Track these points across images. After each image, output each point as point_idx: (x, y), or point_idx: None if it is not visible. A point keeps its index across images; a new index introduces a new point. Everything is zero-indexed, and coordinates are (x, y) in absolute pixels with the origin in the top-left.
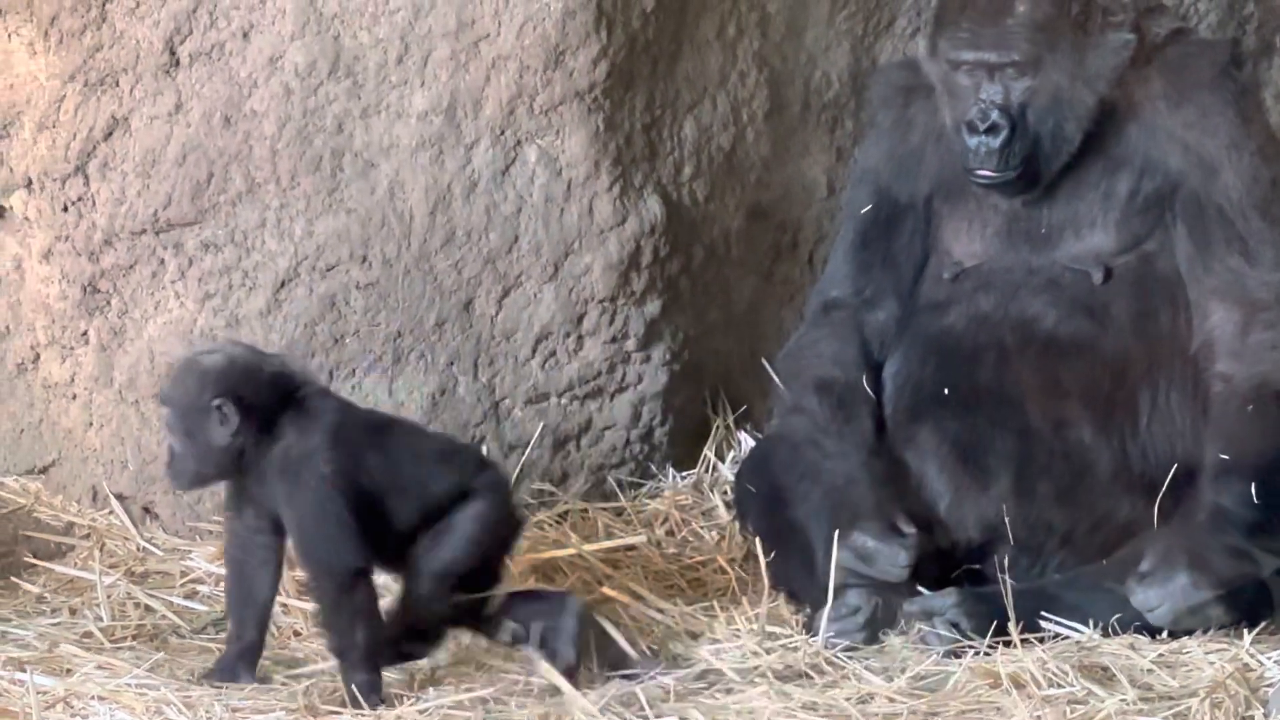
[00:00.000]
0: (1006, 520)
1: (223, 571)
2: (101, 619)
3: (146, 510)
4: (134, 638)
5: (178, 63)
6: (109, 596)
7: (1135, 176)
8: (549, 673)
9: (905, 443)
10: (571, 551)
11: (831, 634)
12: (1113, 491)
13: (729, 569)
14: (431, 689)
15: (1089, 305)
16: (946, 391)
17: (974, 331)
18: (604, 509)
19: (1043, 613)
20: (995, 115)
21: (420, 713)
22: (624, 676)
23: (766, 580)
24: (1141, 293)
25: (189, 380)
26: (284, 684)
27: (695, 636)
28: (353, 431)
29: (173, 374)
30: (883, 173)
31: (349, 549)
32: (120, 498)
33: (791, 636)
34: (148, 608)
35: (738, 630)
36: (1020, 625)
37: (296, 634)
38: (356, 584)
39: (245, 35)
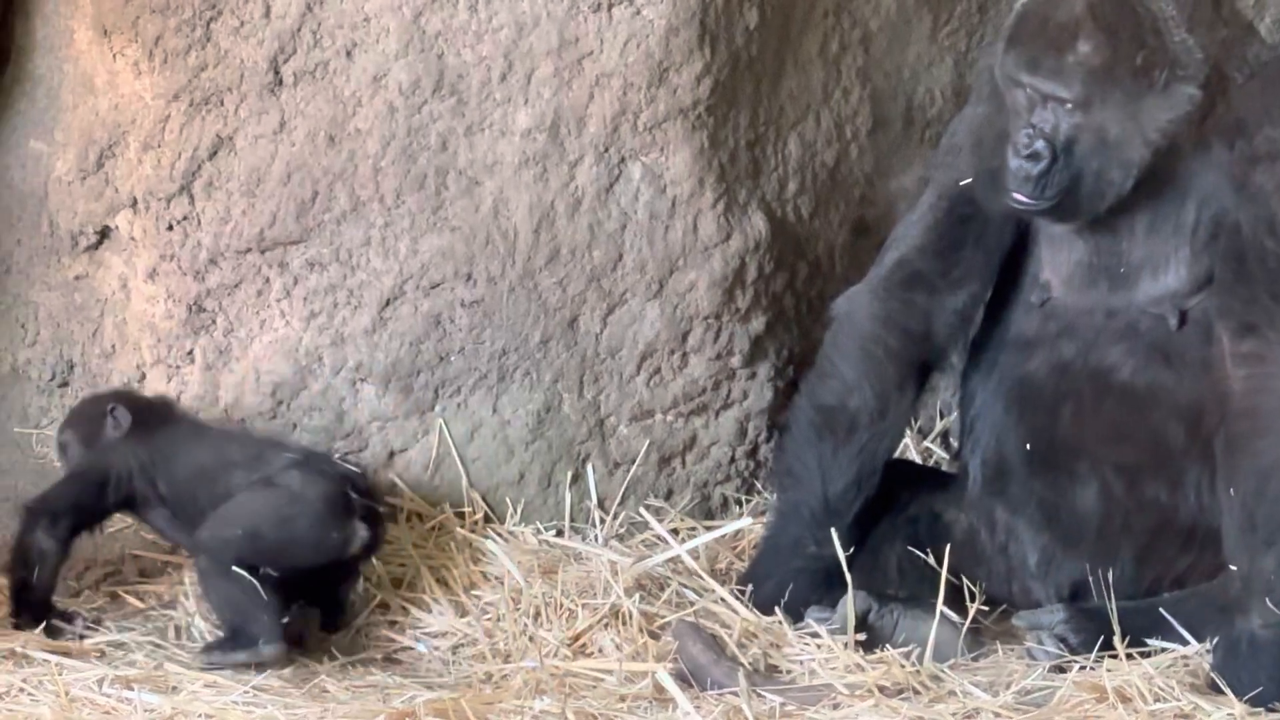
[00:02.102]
0: (1090, 580)
1: None
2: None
3: None
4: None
5: (281, 82)
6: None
7: (1197, 213)
8: (664, 679)
9: (995, 496)
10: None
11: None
12: (1190, 548)
13: None
14: (537, 700)
15: (1165, 352)
16: (1029, 447)
17: (1055, 381)
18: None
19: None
20: (1039, 144)
21: None
22: (718, 686)
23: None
24: (1210, 338)
25: (86, 398)
26: (369, 690)
27: (778, 647)
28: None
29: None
30: (985, 143)
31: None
32: None
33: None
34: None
35: (820, 642)
36: (1126, 640)
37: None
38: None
39: (349, 54)
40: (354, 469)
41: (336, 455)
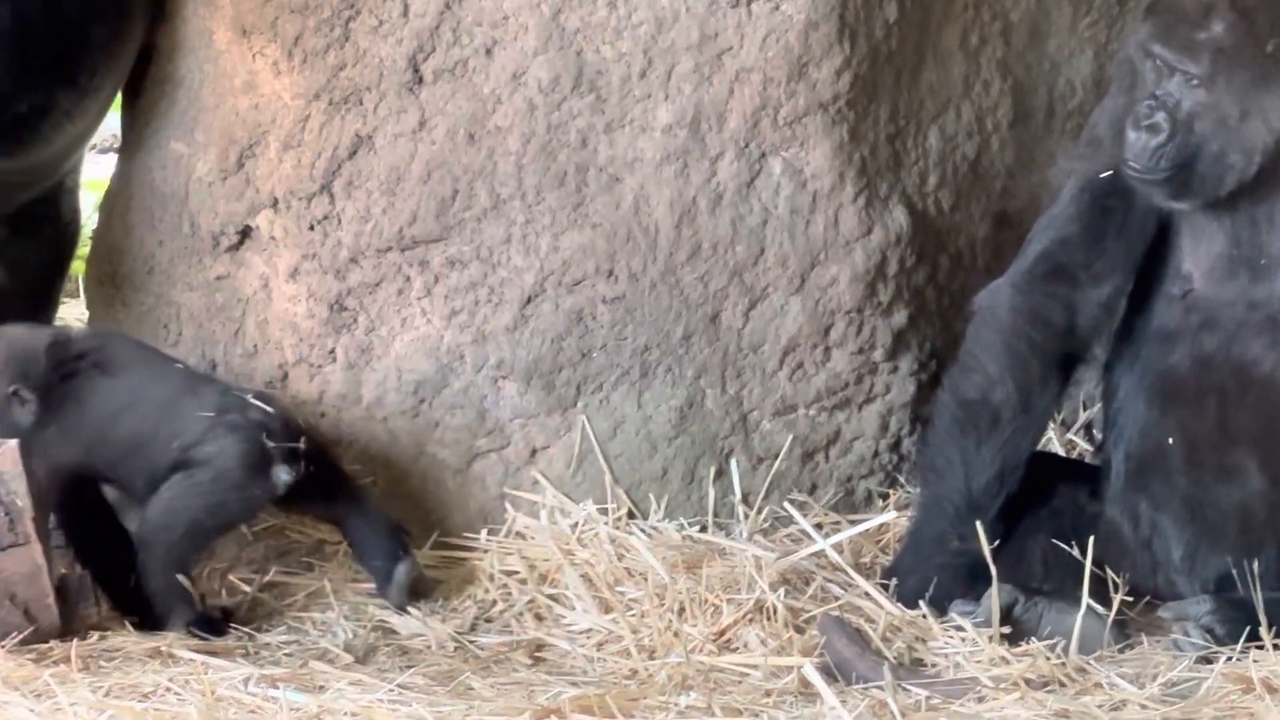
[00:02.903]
0: (1235, 573)
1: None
2: (352, 635)
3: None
4: (382, 654)
5: (421, 80)
6: (356, 614)
7: None
8: (809, 673)
9: (1139, 490)
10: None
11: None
12: None
13: None
14: (683, 696)
15: None
16: (1172, 441)
17: (1197, 374)
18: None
19: None
20: (1160, 116)
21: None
22: (863, 680)
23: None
24: None
25: None
26: (515, 687)
27: (923, 640)
28: (96, 424)
29: None
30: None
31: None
32: None
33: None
34: (384, 628)
35: (965, 635)
36: (1273, 631)
37: None
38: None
39: (488, 52)
40: (268, 410)
41: (250, 395)
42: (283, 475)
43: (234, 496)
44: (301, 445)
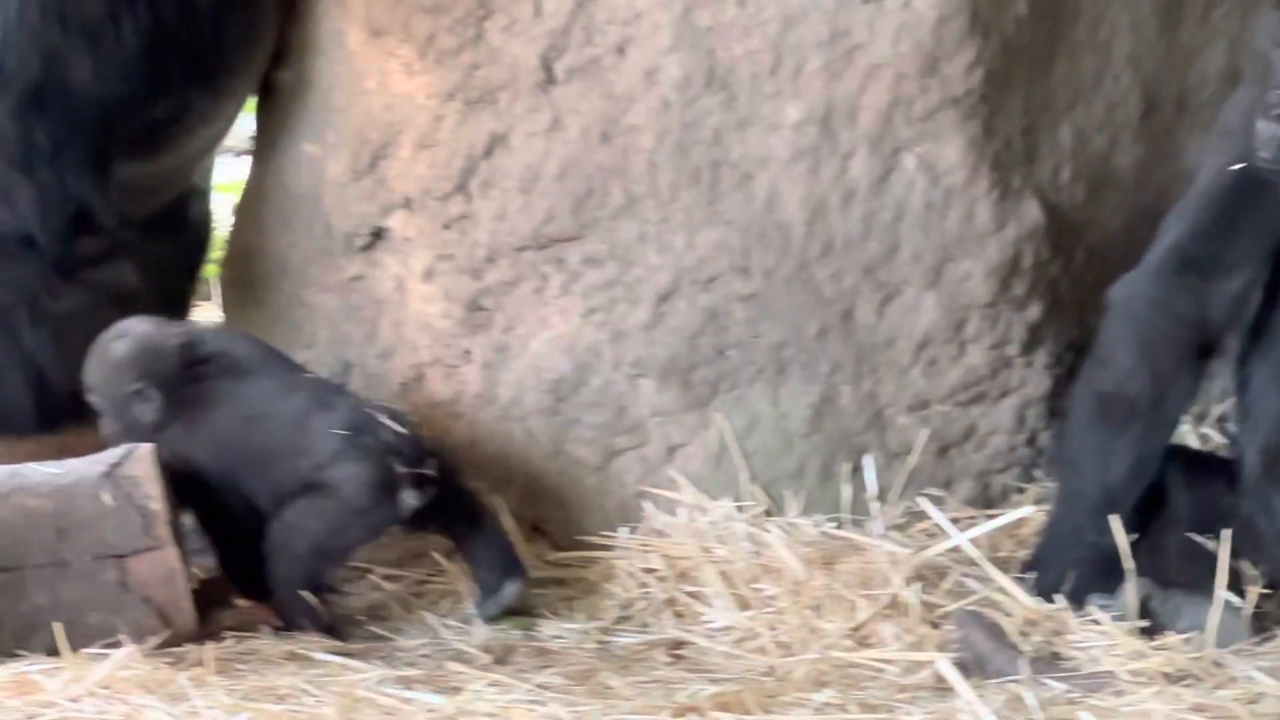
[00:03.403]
0: None
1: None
2: (490, 636)
3: (536, 528)
4: (520, 654)
5: (554, 79)
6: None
7: None
8: (945, 668)
9: (1274, 482)
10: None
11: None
12: None
13: None
14: (819, 693)
15: None
16: None
17: None
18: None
19: None
20: None
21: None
22: (1000, 674)
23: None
24: None
25: (107, 371)
26: (653, 685)
27: (1060, 634)
28: (226, 430)
29: (92, 363)
30: None
31: None
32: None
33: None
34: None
35: (1102, 629)
36: None
37: None
38: None
39: (621, 50)
40: (399, 431)
41: (382, 412)
42: (410, 500)
43: (358, 522)
44: (430, 471)
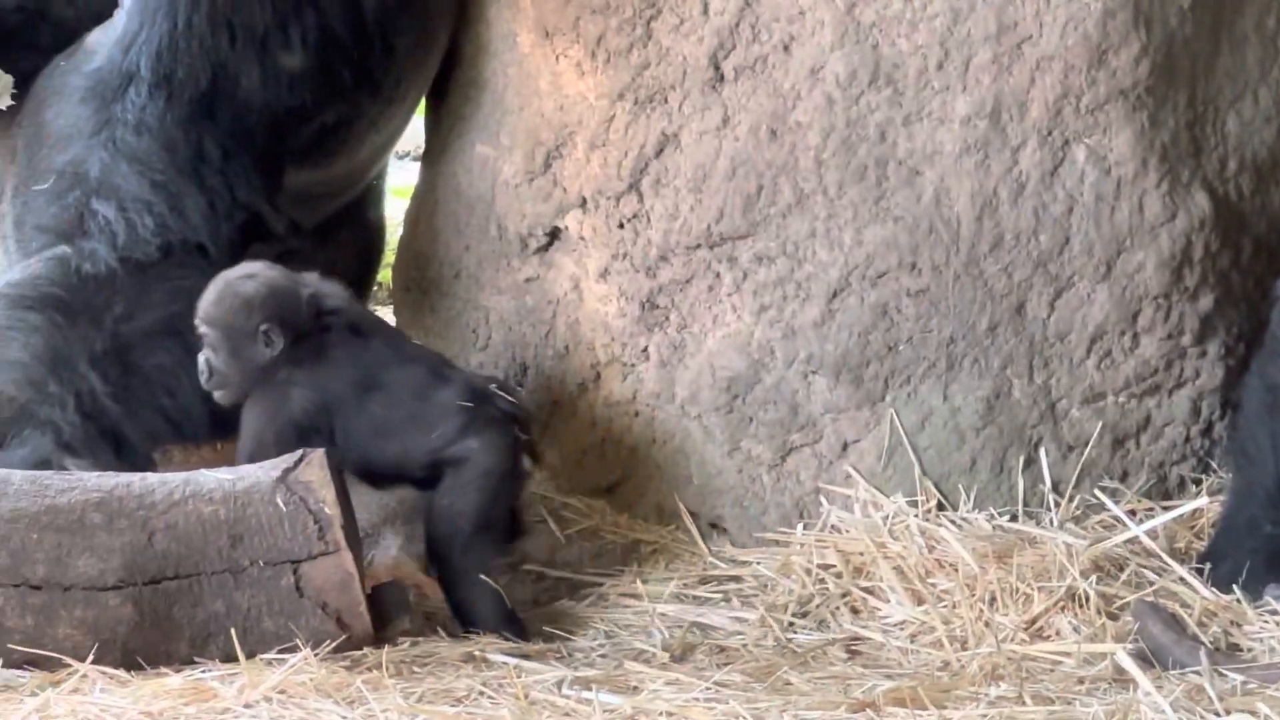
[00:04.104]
0: None
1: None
2: (669, 635)
3: (714, 525)
4: (699, 652)
5: (723, 78)
6: (668, 612)
7: None
8: (1123, 659)
9: None
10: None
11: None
12: None
13: None
14: (994, 687)
15: None
16: None
17: None
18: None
19: None
20: None
21: (984, 717)
22: (1179, 665)
23: None
24: None
25: (236, 305)
26: (831, 681)
27: (1238, 625)
28: (337, 384)
29: (214, 297)
30: None
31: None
32: (687, 513)
33: None
34: (701, 625)
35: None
36: None
37: None
38: None
39: (786, 48)
40: (513, 402)
41: (492, 383)
42: (528, 466)
43: (505, 489)
44: (533, 438)
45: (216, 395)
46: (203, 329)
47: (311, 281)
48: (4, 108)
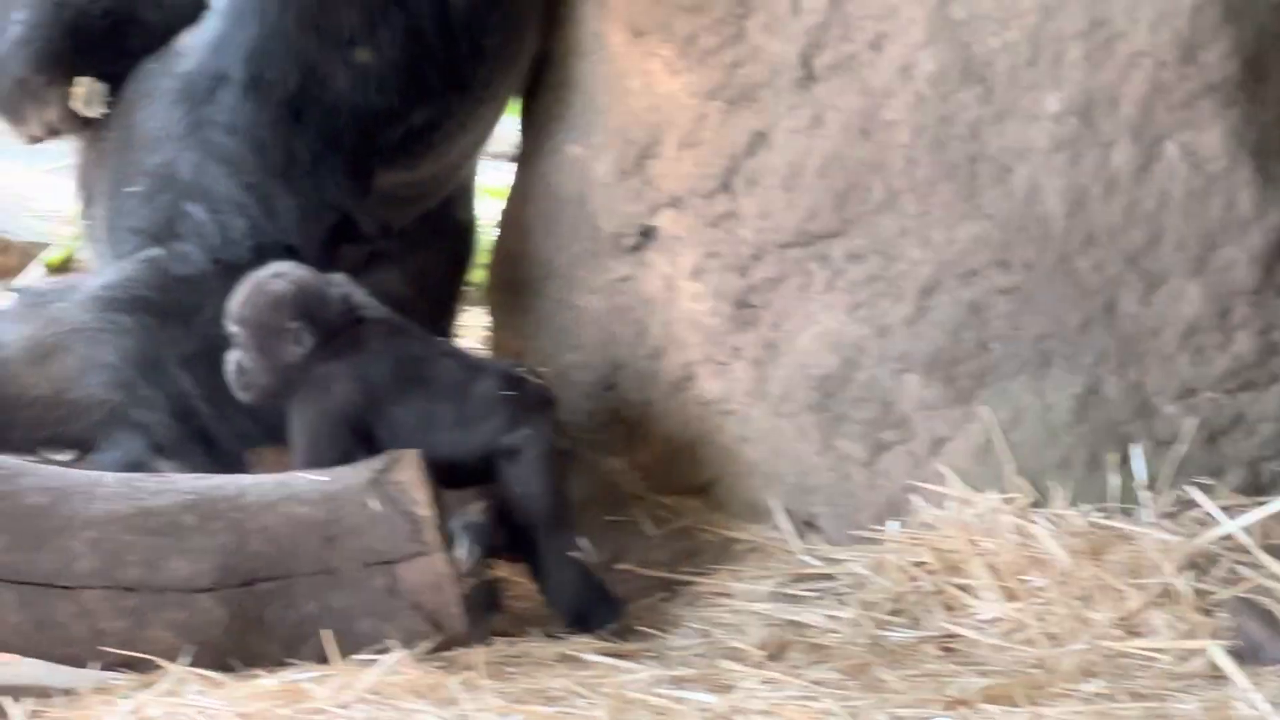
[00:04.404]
0: None
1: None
2: (758, 633)
3: (808, 523)
4: (793, 650)
5: (813, 76)
6: (762, 611)
7: None
8: (1218, 656)
9: None
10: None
11: None
12: None
13: None
14: (1089, 683)
15: None
16: None
17: None
18: None
19: None
20: None
21: (1078, 714)
22: (1275, 662)
23: None
24: None
25: (264, 303)
26: (925, 679)
27: None
28: (378, 376)
29: (244, 296)
30: None
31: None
32: (781, 511)
33: None
34: (795, 624)
35: None
36: None
37: None
38: None
39: (877, 46)
40: (543, 385)
41: (524, 372)
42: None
43: (562, 464)
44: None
45: (244, 396)
46: (232, 328)
47: (341, 282)
48: (97, 115)
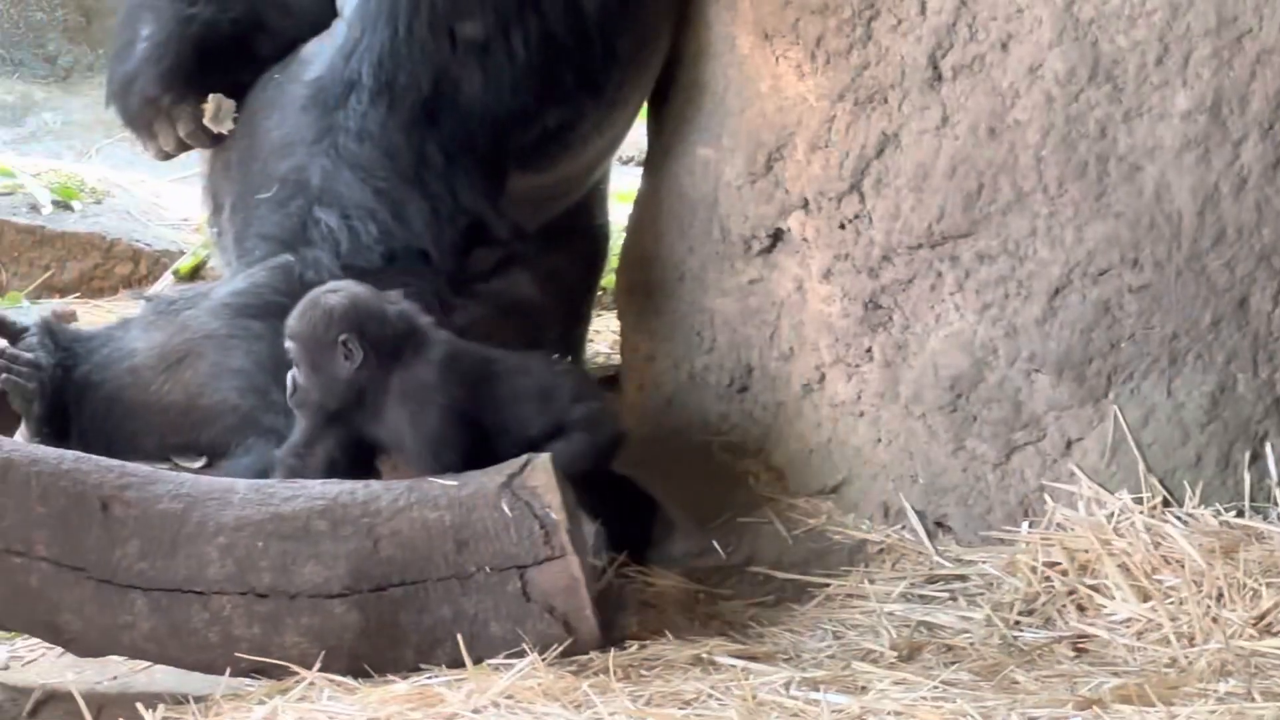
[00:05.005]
0: None
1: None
2: (896, 634)
3: (939, 524)
4: (926, 652)
5: (941, 77)
6: (895, 612)
7: None
8: None
9: None
10: None
11: None
12: None
13: None
14: (1222, 683)
15: None
16: None
17: None
18: None
19: None
20: None
21: (1212, 714)
22: None
23: None
24: None
25: (316, 317)
26: (1058, 679)
27: None
28: (465, 368)
29: (299, 311)
30: None
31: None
32: (913, 512)
33: None
34: (928, 625)
35: None
36: None
37: None
38: None
39: (1004, 46)
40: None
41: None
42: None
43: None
44: None
45: (300, 412)
46: (288, 344)
47: (399, 300)
48: (227, 130)
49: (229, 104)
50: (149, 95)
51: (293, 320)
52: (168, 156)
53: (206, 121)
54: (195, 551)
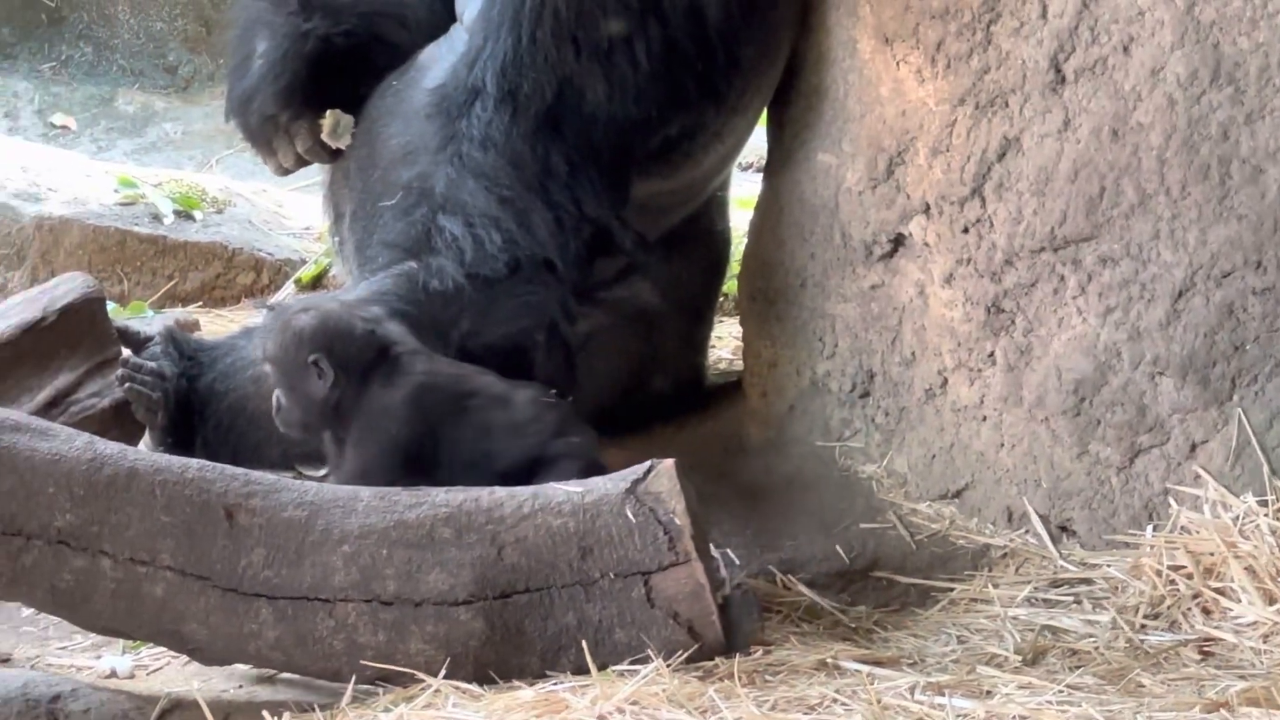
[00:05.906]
0: None
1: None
2: (1020, 638)
3: (1063, 528)
4: (1051, 656)
5: (1063, 80)
6: (1019, 616)
7: None
8: None
9: None
10: None
11: None
12: None
13: None
14: None
15: None
16: None
17: None
18: None
19: None
20: None
21: None
22: None
23: None
24: None
25: (287, 340)
26: (1184, 683)
27: None
28: (434, 401)
29: (272, 333)
30: None
31: None
32: (1036, 516)
33: None
34: (1052, 629)
35: None
36: None
37: None
38: None
39: (1126, 49)
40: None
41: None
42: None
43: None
44: None
45: (287, 432)
46: (265, 368)
47: (373, 315)
48: (345, 145)
49: (347, 119)
50: (267, 113)
51: (268, 343)
52: (287, 172)
53: (324, 137)
54: (320, 559)
